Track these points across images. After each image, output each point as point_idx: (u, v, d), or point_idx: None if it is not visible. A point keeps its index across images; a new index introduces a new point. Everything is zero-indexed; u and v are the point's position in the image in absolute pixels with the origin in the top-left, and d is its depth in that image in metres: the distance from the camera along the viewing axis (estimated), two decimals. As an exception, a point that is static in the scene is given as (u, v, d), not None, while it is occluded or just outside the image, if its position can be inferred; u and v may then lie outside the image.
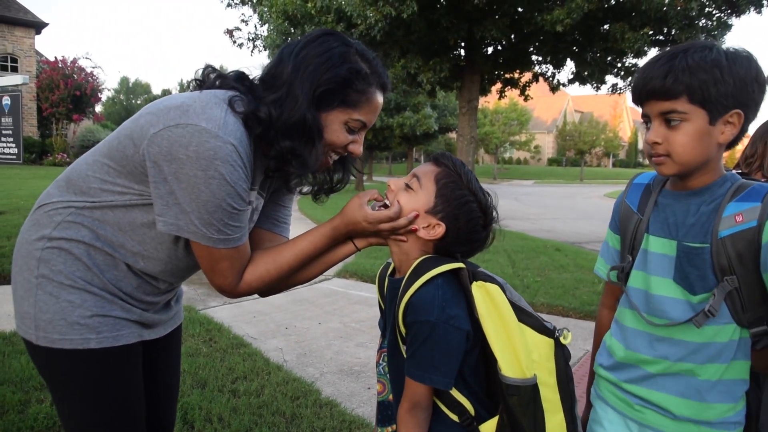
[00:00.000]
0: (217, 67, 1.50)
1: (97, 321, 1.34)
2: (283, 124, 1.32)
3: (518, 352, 1.25)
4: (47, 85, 25.14)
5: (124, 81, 72.79)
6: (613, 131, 48.88)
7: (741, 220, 1.22)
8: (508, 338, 1.25)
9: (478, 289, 1.27)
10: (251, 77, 1.43)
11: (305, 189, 1.61)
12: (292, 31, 11.93)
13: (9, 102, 9.89)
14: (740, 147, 1.79)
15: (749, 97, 1.21)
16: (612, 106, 60.92)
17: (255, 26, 14.45)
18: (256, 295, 1.50)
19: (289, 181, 1.49)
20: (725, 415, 1.31)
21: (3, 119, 9.96)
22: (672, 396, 1.33)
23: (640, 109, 1.32)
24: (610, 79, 13.19)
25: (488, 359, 1.30)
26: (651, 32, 10.77)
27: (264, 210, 1.57)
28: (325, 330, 4.72)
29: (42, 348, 1.34)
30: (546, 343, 1.29)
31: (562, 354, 1.30)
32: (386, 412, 1.45)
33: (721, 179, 1.29)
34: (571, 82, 13.80)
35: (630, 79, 12.74)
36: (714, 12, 10.57)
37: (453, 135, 35.58)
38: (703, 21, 10.74)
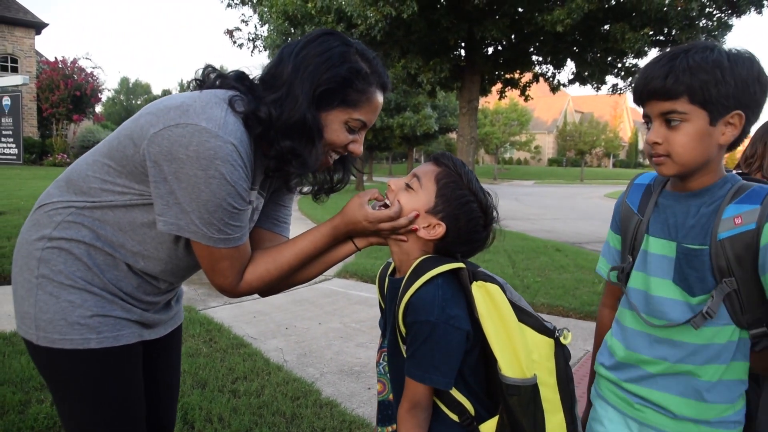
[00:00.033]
0: (218, 67, 1.50)
1: (98, 321, 1.34)
2: (284, 124, 1.32)
3: (518, 352, 1.25)
4: (47, 85, 25.15)
5: (124, 81, 72.86)
6: (613, 131, 48.89)
7: (740, 222, 1.22)
8: (508, 338, 1.25)
9: (478, 289, 1.27)
10: (251, 77, 1.43)
11: (305, 189, 1.61)
12: (293, 31, 11.93)
13: (9, 102, 9.90)
14: (741, 147, 1.78)
15: (751, 98, 1.21)
16: (612, 107, 60.92)
17: (255, 26, 14.47)
18: (256, 295, 1.50)
19: (289, 181, 1.49)
20: (725, 414, 1.31)
21: (3, 120, 9.96)
22: (672, 395, 1.33)
23: (641, 110, 1.32)
24: (610, 80, 13.20)
25: (488, 359, 1.30)
26: (651, 33, 10.77)
27: (264, 210, 1.57)
28: (325, 330, 4.72)
29: (42, 348, 1.34)
30: (546, 343, 1.29)
31: (562, 354, 1.30)
32: (386, 411, 1.45)
33: (721, 181, 1.28)
34: (571, 82, 13.80)
35: (630, 79, 12.75)
36: (714, 12, 10.57)
37: (453, 135, 35.57)
38: (704, 21, 10.74)
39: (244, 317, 4.98)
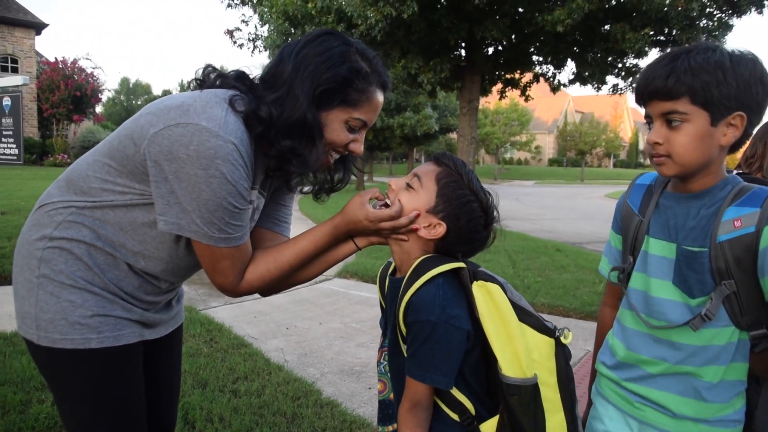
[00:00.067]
0: (218, 67, 1.50)
1: (98, 321, 1.34)
2: (284, 124, 1.32)
3: (519, 351, 1.25)
4: (47, 85, 25.17)
5: (124, 81, 72.91)
6: (613, 132, 48.86)
7: (739, 225, 1.21)
8: (509, 338, 1.25)
9: (478, 288, 1.27)
10: (251, 77, 1.43)
11: (306, 188, 1.61)
12: (293, 31, 11.92)
13: (9, 103, 9.88)
14: (742, 148, 1.78)
15: (753, 99, 1.20)
16: (613, 107, 60.89)
17: (255, 27, 14.48)
18: (256, 295, 1.50)
19: (289, 180, 1.49)
20: (724, 413, 1.31)
21: (3, 120, 9.95)
22: (671, 394, 1.34)
23: (642, 110, 1.32)
24: (610, 80, 13.19)
25: (489, 359, 1.30)
26: (652, 33, 10.76)
27: (265, 209, 1.57)
28: (325, 330, 4.72)
29: (43, 348, 1.34)
30: (546, 343, 1.29)
31: (562, 354, 1.30)
32: (387, 411, 1.45)
33: (722, 182, 1.28)
34: (571, 82, 13.80)
35: (631, 79, 12.75)
36: (715, 12, 10.56)
37: (454, 135, 35.56)
38: (704, 21, 10.73)
39: (244, 317, 4.98)
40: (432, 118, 26.95)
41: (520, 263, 7.72)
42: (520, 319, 1.28)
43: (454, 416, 1.30)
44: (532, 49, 12.76)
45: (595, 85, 13.46)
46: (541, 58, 13.36)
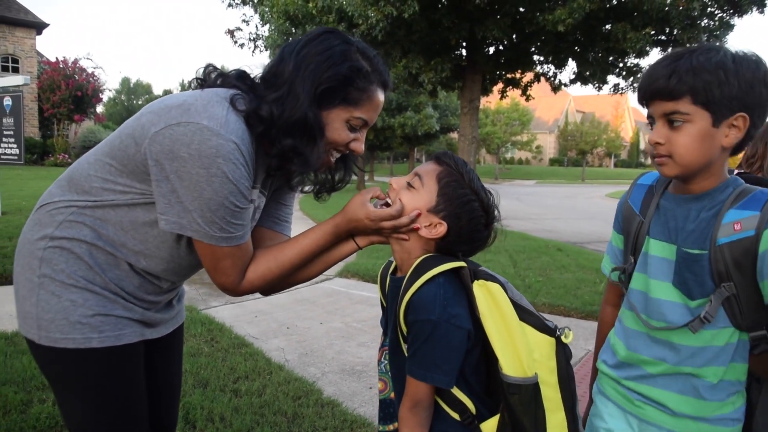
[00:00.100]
0: (219, 67, 1.50)
1: (99, 320, 1.34)
2: (285, 123, 1.32)
3: (519, 351, 1.25)
4: (48, 85, 25.20)
5: (125, 81, 72.96)
6: (614, 131, 48.80)
7: (739, 228, 1.21)
8: (510, 337, 1.25)
9: (479, 288, 1.27)
10: (252, 76, 1.43)
11: (307, 187, 1.61)
12: (294, 31, 11.91)
13: (10, 103, 9.87)
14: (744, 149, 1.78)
15: (755, 100, 1.19)
16: (614, 106, 60.82)
17: (256, 26, 14.42)
18: (257, 295, 1.51)
19: (290, 180, 1.49)
20: (724, 412, 1.32)
21: (4, 120, 9.94)
22: (671, 393, 1.34)
23: (643, 110, 1.32)
24: (611, 79, 13.17)
25: (489, 358, 1.30)
26: (653, 32, 10.74)
27: (265, 208, 1.57)
28: (326, 330, 4.72)
29: (44, 347, 1.34)
30: (547, 342, 1.29)
31: (563, 353, 1.30)
32: (388, 410, 1.45)
33: (722, 185, 1.28)
34: (572, 82, 13.77)
35: (632, 79, 12.73)
36: (716, 12, 10.54)
37: (454, 135, 35.55)
38: (705, 21, 10.71)
39: (245, 317, 4.98)
40: (433, 117, 26.93)
41: (521, 263, 7.72)
42: (521, 319, 1.28)
43: (455, 415, 1.30)
44: (533, 49, 12.74)
45: (596, 85, 13.44)
46: (542, 58, 13.34)
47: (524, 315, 1.29)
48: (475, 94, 12.63)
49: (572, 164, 55.40)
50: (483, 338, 1.27)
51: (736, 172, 1.84)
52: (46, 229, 1.36)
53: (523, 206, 19.30)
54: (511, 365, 1.24)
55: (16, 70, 24.89)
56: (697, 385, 1.31)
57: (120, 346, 1.37)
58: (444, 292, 1.24)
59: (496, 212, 1.36)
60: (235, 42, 14.45)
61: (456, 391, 1.28)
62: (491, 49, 12.79)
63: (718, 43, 1.32)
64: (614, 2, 10.46)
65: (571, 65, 13.25)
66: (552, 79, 13.83)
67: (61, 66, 25.94)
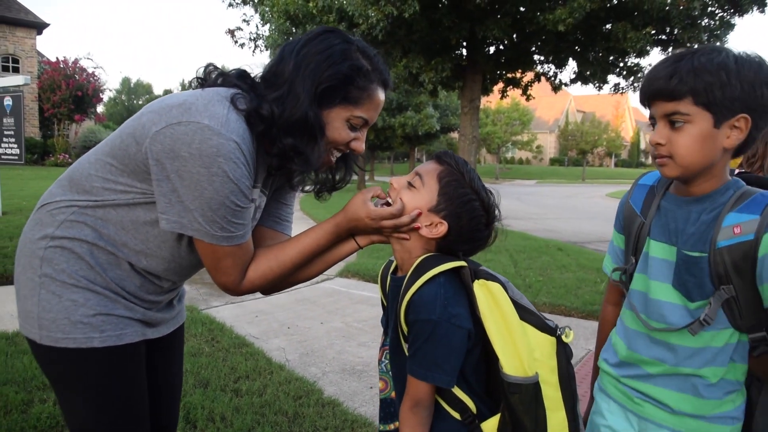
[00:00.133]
0: (219, 66, 1.50)
1: (101, 320, 1.34)
2: (285, 122, 1.32)
3: (520, 350, 1.25)
4: (49, 85, 25.22)
5: (125, 81, 72.99)
6: (615, 131, 48.77)
7: (739, 232, 1.21)
8: (510, 336, 1.25)
9: (480, 287, 1.27)
10: (253, 75, 1.43)
11: (307, 187, 1.61)
12: (294, 30, 11.91)
13: (11, 102, 9.88)
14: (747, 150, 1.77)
15: (758, 102, 1.19)
16: (614, 106, 60.81)
17: (256, 26, 14.39)
18: (258, 295, 1.51)
19: (291, 179, 1.49)
20: (723, 410, 1.32)
21: (5, 120, 9.94)
22: (670, 391, 1.35)
23: (644, 110, 1.31)
24: (612, 79, 13.17)
25: (490, 357, 1.30)
26: (653, 32, 10.74)
27: (266, 208, 1.57)
28: (327, 329, 4.72)
29: (45, 347, 1.34)
30: (548, 342, 1.29)
31: (564, 352, 1.30)
32: (389, 409, 1.45)
33: (723, 187, 1.27)
34: (573, 81, 13.77)
35: (632, 78, 12.73)
36: (717, 11, 10.54)
37: (455, 135, 35.55)
38: (706, 20, 10.71)
39: (246, 317, 4.98)
40: (433, 117, 26.93)
41: (522, 262, 7.72)
42: (522, 318, 1.28)
43: (456, 415, 1.30)
44: (534, 49, 12.74)
45: (597, 85, 13.44)
46: (542, 58, 13.34)
47: (525, 314, 1.29)
48: (475, 94, 12.63)
49: (573, 164, 55.39)
50: (483, 338, 1.27)
51: (737, 171, 1.85)
52: (47, 229, 1.36)
53: (524, 206, 19.30)
54: (512, 365, 1.24)
55: (16, 70, 24.91)
56: (696, 384, 1.31)
57: (121, 345, 1.37)
58: (444, 291, 1.24)
59: (496, 212, 1.36)
60: (236, 42, 14.46)
61: (457, 391, 1.28)
62: (492, 49, 12.79)
63: (718, 44, 1.31)
64: (615, 2, 10.46)
65: (572, 65, 13.25)
66: (552, 78, 13.83)
67: (62, 66, 25.96)
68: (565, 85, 14.05)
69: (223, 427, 2.89)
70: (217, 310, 5.12)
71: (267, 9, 12.22)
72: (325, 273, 1.53)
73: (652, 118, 1.29)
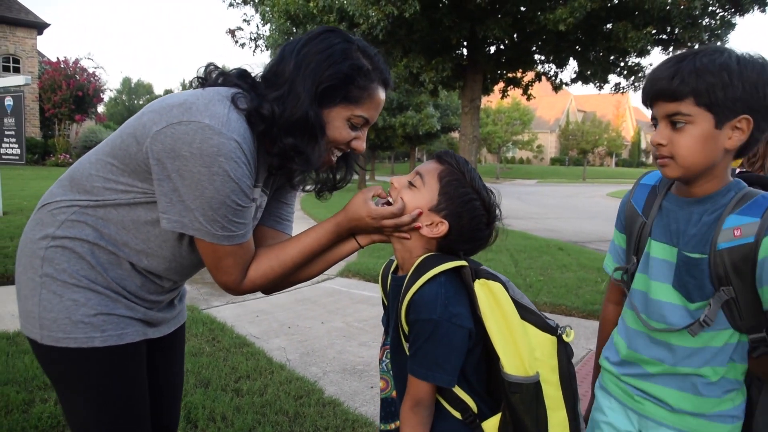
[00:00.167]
0: (220, 66, 1.50)
1: (102, 319, 1.34)
2: (286, 121, 1.32)
3: (521, 349, 1.25)
4: (49, 85, 25.23)
5: (126, 81, 73.06)
6: (615, 131, 48.76)
7: (739, 234, 1.21)
8: (511, 336, 1.25)
9: (480, 287, 1.27)
10: (253, 75, 1.43)
11: (308, 186, 1.61)
12: (294, 30, 11.92)
13: (11, 103, 9.89)
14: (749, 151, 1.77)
15: (760, 102, 1.18)
16: (615, 106, 60.79)
17: (257, 26, 14.40)
18: (259, 294, 1.51)
19: (292, 178, 1.49)
20: (722, 408, 1.32)
21: (5, 120, 9.95)
22: (670, 389, 1.35)
23: (644, 109, 1.31)
24: (612, 79, 13.16)
25: (490, 357, 1.30)
26: (654, 31, 10.73)
27: (267, 207, 1.57)
28: (327, 329, 4.72)
29: (46, 347, 1.34)
30: (549, 341, 1.29)
31: (564, 351, 1.30)
32: (389, 408, 1.45)
33: (725, 188, 1.27)
34: (573, 81, 13.76)
35: (633, 78, 12.73)
36: (718, 11, 10.53)
37: (455, 134, 35.54)
38: (707, 20, 10.70)
39: (246, 316, 4.98)
40: (434, 117, 26.92)
41: (522, 262, 7.72)
42: (522, 317, 1.28)
43: (457, 414, 1.30)
44: (534, 48, 12.73)
45: (597, 84, 13.44)
46: (543, 57, 13.33)
47: (525, 314, 1.29)
48: (476, 94, 12.63)
49: (573, 163, 55.39)
50: (484, 337, 1.27)
51: (737, 171, 1.84)
52: (48, 229, 1.36)
53: (524, 205, 19.29)
54: (513, 364, 1.24)
55: (17, 70, 24.92)
56: (696, 383, 1.32)
57: (122, 345, 1.37)
58: (445, 291, 1.24)
59: (497, 211, 1.36)
60: (236, 42, 14.46)
61: (457, 390, 1.28)
62: (492, 49, 12.78)
63: (719, 43, 1.30)
64: (615, 1, 10.45)
65: (572, 64, 13.25)
66: (553, 78, 13.83)
67: (62, 66, 25.97)
68: (566, 84, 14.05)
69: (224, 426, 2.89)
70: (218, 310, 5.13)
71: (267, 9, 12.23)
72: (325, 272, 1.53)
73: (654, 118, 1.29)
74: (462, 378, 1.28)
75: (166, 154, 1.24)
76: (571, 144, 46.58)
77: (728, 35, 10.84)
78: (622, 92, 13.43)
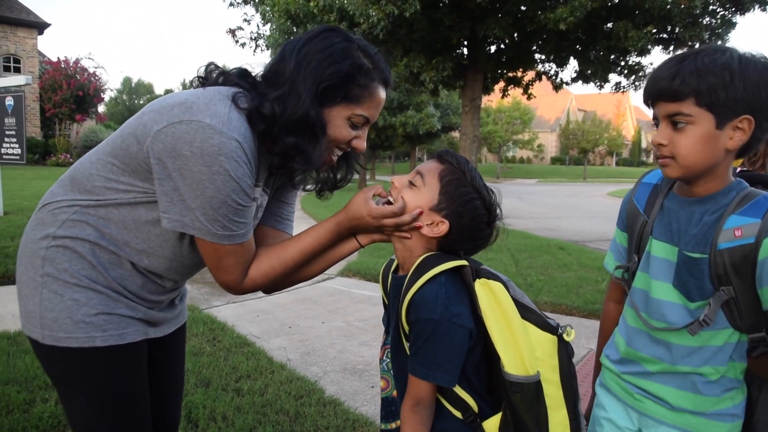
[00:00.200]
0: (220, 66, 1.50)
1: (103, 319, 1.34)
2: (287, 121, 1.32)
3: (521, 349, 1.25)
4: (50, 85, 25.25)
5: (126, 81, 73.13)
6: (616, 130, 48.76)
7: (740, 234, 1.21)
8: (512, 335, 1.25)
9: (481, 286, 1.27)
10: (254, 74, 1.43)
11: (309, 186, 1.61)
12: (295, 30, 11.92)
13: (12, 103, 9.89)
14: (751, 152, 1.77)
15: (762, 103, 1.17)
16: (615, 105, 60.75)
17: (257, 25, 14.41)
18: (259, 294, 1.51)
19: (293, 178, 1.49)
20: (722, 407, 1.32)
21: (6, 120, 9.96)
22: (670, 388, 1.35)
23: (645, 108, 1.31)
24: (613, 78, 13.20)
25: (491, 356, 1.30)
26: (654, 30, 10.73)
27: (268, 207, 1.57)
28: (328, 329, 4.72)
29: (47, 346, 1.35)
30: (549, 340, 1.29)
31: (565, 351, 1.30)
32: (390, 408, 1.45)
33: (726, 188, 1.27)
34: (574, 80, 13.77)
35: (633, 77, 12.73)
36: (718, 10, 10.53)
37: (456, 134, 35.50)
38: (708, 19, 10.70)
39: (247, 316, 4.98)
40: (434, 116, 26.90)
41: (523, 261, 7.72)
42: (523, 317, 1.28)
43: (457, 413, 1.30)
44: (535, 48, 12.74)
45: (598, 83, 13.44)
46: (543, 57, 13.34)
47: (526, 313, 1.29)
48: (476, 93, 12.64)
49: (574, 163, 55.38)
50: (485, 337, 1.27)
51: (738, 170, 1.84)
52: (49, 229, 1.36)
53: (525, 205, 19.29)
54: (513, 363, 1.24)
55: (17, 70, 24.94)
56: (695, 381, 1.32)
57: (123, 345, 1.37)
58: (446, 290, 1.24)
59: (498, 211, 1.36)
60: (237, 41, 14.47)
61: (458, 390, 1.28)
62: (492, 48, 12.79)
63: (719, 42, 1.30)
64: (616, 0, 10.45)
65: (573, 64, 13.25)
66: (553, 77, 13.84)
67: (63, 66, 25.99)
68: (566, 84, 14.05)
69: (225, 426, 2.89)
70: (219, 310, 5.13)
71: (268, 8, 12.23)
72: (326, 272, 1.53)
73: (655, 118, 1.29)
74: (463, 377, 1.28)
75: (167, 153, 1.24)
76: (572, 143, 46.58)
77: (729, 34, 10.85)
78: (623, 91, 13.43)
